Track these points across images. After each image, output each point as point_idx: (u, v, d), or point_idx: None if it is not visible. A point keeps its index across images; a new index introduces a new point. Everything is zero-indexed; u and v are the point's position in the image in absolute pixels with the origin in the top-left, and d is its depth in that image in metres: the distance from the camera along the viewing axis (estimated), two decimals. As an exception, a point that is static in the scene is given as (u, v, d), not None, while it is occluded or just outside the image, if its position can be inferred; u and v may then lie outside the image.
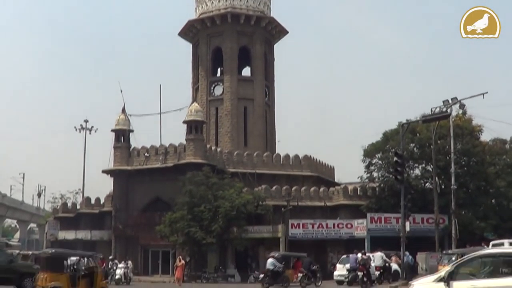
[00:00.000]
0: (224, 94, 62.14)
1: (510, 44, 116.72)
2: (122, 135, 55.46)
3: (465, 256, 14.78)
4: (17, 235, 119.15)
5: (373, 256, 36.46)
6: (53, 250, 28.06)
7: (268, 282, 35.64)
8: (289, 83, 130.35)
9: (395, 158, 35.98)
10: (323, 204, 53.04)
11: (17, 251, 41.31)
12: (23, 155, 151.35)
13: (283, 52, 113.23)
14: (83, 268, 26.48)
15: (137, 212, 53.98)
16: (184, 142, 52.96)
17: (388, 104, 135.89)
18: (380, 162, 52.06)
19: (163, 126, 74.34)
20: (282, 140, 70.54)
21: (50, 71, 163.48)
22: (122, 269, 42.07)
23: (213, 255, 49.97)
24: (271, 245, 48.74)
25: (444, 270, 13.94)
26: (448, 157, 45.91)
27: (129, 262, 45.07)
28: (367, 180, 53.18)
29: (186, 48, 68.26)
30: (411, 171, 51.32)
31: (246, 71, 65.98)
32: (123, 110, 56.49)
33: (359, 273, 34.42)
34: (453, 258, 27.77)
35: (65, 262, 26.20)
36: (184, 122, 53.23)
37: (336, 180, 64.07)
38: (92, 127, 74.11)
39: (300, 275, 36.63)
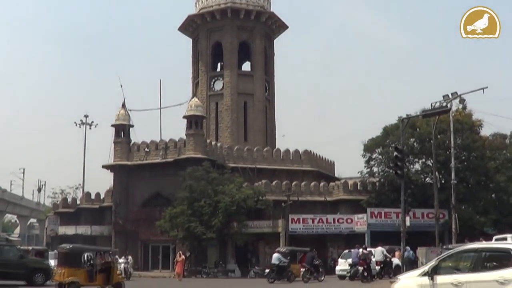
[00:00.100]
0: (224, 89, 62.13)
1: (510, 41, 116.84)
2: (122, 130, 55.46)
3: (448, 251, 15.09)
4: (17, 230, 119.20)
5: (374, 251, 36.46)
6: (70, 246, 28.33)
7: (274, 277, 35.84)
8: (289, 78, 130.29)
9: (395, 153, 35.88)
10: (323, 199, 53.05)
11: (18, 246, 41.34)
12: (23, 150, 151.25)
13: (283, 47, 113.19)
14: (100, 263, 26.96)
15: (137, 207, 54.01)
16: (184, 137, 52.98)
17: (388, 99, 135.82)
18: (380, 157, 52.07)
19: (163, 121, 74.47)
20: (282, 134, 70.47)
21: (50, 66, 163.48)
22: (122, 264, 42.05)
23: (213, 250, 50.00)
24: (271, 240, 48.81)
25: (428, 265, 14.14)
26: (448, 152, 45.90)
27: (129, 257, 45.10)
28: (367, 175, 53.17)
29: (186, 43, 68.42)
30: (411, 166, 51.30)
31: (246, 66, 66.01)
32: (123, 105, 56.51)
33: (359, 267, 34.45)
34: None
35: (82, 257, 26.81)
36: (184, 117, 53.23)
37: (336, 175, 64.09)
38: (92, 122, 74.19)
39: (302, 270, 36.68)
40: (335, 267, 41.70)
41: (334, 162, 66.07)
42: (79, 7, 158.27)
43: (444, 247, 37.52)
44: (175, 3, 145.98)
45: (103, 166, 56.54)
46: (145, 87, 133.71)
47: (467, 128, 49.63)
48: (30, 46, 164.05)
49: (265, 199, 49.07)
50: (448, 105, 41.07)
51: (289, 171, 56.67)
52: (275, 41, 67.52)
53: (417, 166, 52.11)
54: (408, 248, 37.13)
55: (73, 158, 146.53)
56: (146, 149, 54.25)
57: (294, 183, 52.71)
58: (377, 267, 35.65)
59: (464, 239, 38.89)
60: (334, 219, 49.24)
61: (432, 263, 14.13)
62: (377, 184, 52.41)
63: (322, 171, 60.28)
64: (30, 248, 40.58)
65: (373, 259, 35.64)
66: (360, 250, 35.51)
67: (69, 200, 66.43)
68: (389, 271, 35.81)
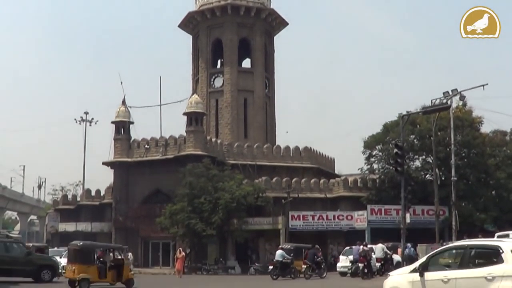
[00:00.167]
0: (224, 85, 62.08)
1: (510, 39, 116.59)
2: (122, 127, 55.45)
3: (439, 249, 15.30)
4: (18, 227, 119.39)
5: (374, 248, 36.50)
6: (81, 243, 28.61)
7: (277, 274, 36.08)
8: (289, 74, 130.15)
9: (395, 150, 35.95)
10: (323, 196, 53.06)
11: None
12: (23, 147, 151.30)
13: (283, 43, 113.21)
14: (111, 260, 27.42)
15: (137, 204, 54.02)
16: (184, 134, 52.98)
17: (388, 95, 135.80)
18: (380, 153, 52.11)
19: (163, 118, 74.41)
20: (283, 131, 70.58)
21: (50, 63, 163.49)
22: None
23: (213, 247, 50.01)
24: (271, 237, 48.86)
25: (419, 262, 14.39)
26: (448, 149, 45.92)
27: (130, 254, 45.07)
28: (367, 172, 53.20)
29: (186, 40, 68.33)
30: (411, 163, 51.35)
31: (246, 63, 65.95)
32: (123, 102, 56.50)
33: (359, 264, 34.50)
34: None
35: (93, 254, 27.24)
36: (184, 114, 53.22)
37: (336, 172, 64.13)
38: (92, 119, 74.13)
39: (304, 266, 36.74)
40: (335, 263, 41.78)
41: (334, 159, 66.18)
42: (79, 3, 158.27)
43: (444, 244, 37.55)
44: (175, 0, 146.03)
45: (103, 163, 56.55)
46: (145, 84, 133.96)
47: (467, 125, 49.64)
48: (30, 43, 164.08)
49: (265, 196, 49.07)
50: (448, 102, 41.09)
51: (289, 168, 56.66)
52: (275, 37, 67.50)
53: (417, 163, 52.22)
54: (409, 245, 37.15)
55: (73, 155, 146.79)
56: (146, 146, 54.24)
57: (294, 179, 52.72)
58: (378, 264, 35.69)
59: (463, 236, 38.94)
60: (334, 216, 49.25)
61: (423, 260, 14.38)
62: (377, 181, 52.45)
63: (322, 168, 60.29)
64: (31, 245, 40.58)
65: (374, 256, 35.68)
66: (361, 247, 35.57)
67: (69, 197, 66.48)
68: (390, 267, 35.83)
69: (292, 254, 37.45)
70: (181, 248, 44.91)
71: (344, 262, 38.85)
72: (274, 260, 37.24)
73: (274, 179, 52.49)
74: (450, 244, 15.15)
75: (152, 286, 28.71)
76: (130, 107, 56.89)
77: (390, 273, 16.24)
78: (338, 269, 39.56)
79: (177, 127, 70.82)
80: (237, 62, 63.64)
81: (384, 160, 51.40)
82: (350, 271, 36.09)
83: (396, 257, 37.54)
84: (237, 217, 47.44)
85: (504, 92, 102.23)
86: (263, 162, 55.46)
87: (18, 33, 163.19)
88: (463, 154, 49.75)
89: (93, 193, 60.70)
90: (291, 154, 58.25)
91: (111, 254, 28.35)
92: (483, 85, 40.02)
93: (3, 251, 30.13)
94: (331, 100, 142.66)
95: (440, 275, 13.46)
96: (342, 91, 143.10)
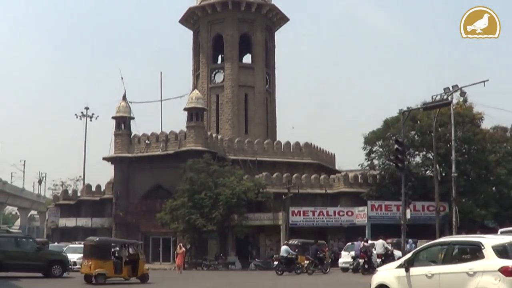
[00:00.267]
0: (225, 81, 62.05)
1: (510, 36, 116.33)
2: (122, 122, 55.42)
3: (423, 245, 15.89)
4: (18, 222, 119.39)
5: (375, 243, 36.56)
6: (97, 238, 29.41)
7: (282, 269, 36.26)
8: (290, 70, 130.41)
9: (395, 146, 35.91)
10: (323, 192, 53.09)
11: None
12: (23, 142, 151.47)
13: (283, 39, 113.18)
14: (126, 255, 27.98)
15: (138, 199, 54.04)
16: (185, 130, 52.97)
17: (388, 91, 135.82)
18: (380, 149, 52.11)
19: (164, 113, 74.47)
20: (283, 127, 70.63)
21: (50, 58, 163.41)
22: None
23: (214, 242, 50.09)
24: (272, 233, 48.93)
25: (404, 257, 15.01)
26: (448, 145, 45.90)
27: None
28: (367, 168, 53.24)
29: (187, 35, 68.33)
30: (412, 159, 51.36)
31: (247, 59, 65.90)
32: (124, 97, 56.49)
33: (360, 260, 34.55)
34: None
35: (109, 249, 27.82)
36: (185, 109, 53.21)
37: (336, 168, 64.12)
38: (93, 114, 74.19)
39: (306, 262, 36.81)
40: (336, 259, 41.84)
41: (334, 155, 66.20)
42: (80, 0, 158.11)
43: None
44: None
45: (104, 158, 56.58)
46: (146, 79, 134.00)
47: (467, 121, 49.61)
48: (30, 39, 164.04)
49: (266, 191, 49.08)
50: (449, 98, 41.03)
51: (289, 163, 56.67)
52: (275, 33, 67.47)
53: (418, 159, 52.22)
54: (410, 240, 37.23)
55: (73, 150, 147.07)
56: (146, 141, 54.22)
57: (294, 175, 52.74)
58: (378, 260, 35.72)
59: (461, 233, 38.96)
60: (334, 212, 49.31)
61: (408, 255, 14.94)
62: (377, 176, 52.46)
63: (323, 164, 60.29)
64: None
65: (374, 252, 35.73)
66: (361, 243, 35.63)
67: (70, 192, 66.52)
68: (391, 264, 35.82)
69: (297, 250, 37.65)
70: (181, 244, 44.90)
71: (345, 257, 38.95)
72: (279, 256, 37.48)
73: (274, 175, 52.52)
74: (434, 241, 15.68)
75: (154, 282, 28.86)
76: (131, 102, 56.96)
77: (378, 269, 17.03)
78: (340, 265, 39.67)
79: (177, 122, 70.88)
80: (238, 58, 63.56)
81: (385, 156, 51.42)
82: (351, 266, 36.15)
83: (398, 253, 37.56)
84: (238, 212, 47.43)
85: (505, 88, 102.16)
86: (263, 158, 55.47)
87: (19, 28, 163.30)
88: (464, 150, 49.73)
89: (93, 188, 60.68)
90: (291, 150, 58.26)
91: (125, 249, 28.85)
92: (483, 81, 40.01)
93: (13, 247, 30.44)
94: (332, 96, 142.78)
95: (424, 270, 13.94)
96: (343, 86, 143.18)
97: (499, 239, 13.65)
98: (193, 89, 56.50)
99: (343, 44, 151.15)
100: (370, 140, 52.11)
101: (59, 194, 67.99)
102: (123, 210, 53.99)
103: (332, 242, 49.42)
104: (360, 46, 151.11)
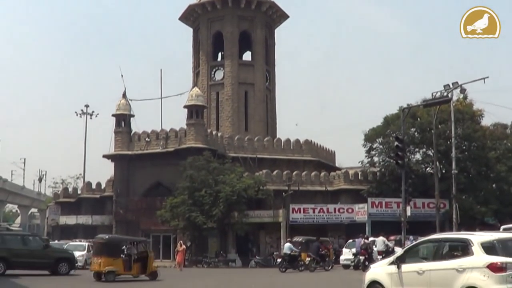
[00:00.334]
0: (225, 78, 62.06)
1: (511, 33, 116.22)
2: (123, 120, 55.40)
3: (415, 242, 16.50)
4: (18, 220, 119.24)
5: (376, 240, 36.58)
6: (107, 236, 29.96)
7: (286, 266, 36.41)
8: (290, 67, 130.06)
9: (395, 143, 35.95)
10: (324, 189, 53.12)
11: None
12: (24, 140, 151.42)
13: (283, 36, 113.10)
14: (135, 252, 28.31)
15: (138, 197, 54.05)
16: (185, 127, 52.98)
17: (389, 88, 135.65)
18: (381, 146, 52.12)
19: (164, 111, 74.49)
20: (283, 125, 70.47)
21: (50, 55, 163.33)
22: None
23: (214, 239, 50.09)
24: (272, 230, 48.98)
25: (396, 254, 15.47)
26: (449, 142, 45.95)
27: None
28: (368, 165, 53.24)
29: (186, 32, 68.36)
30: (412, 156, 51.37)
31: (247, 56, 65.91)
32: (124, 95, 56.47)
33: (360, 257, 34.57)
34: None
35: (119, 247, 28.23)
36: (185, 106, 53.21)
37: (337, 165, 64.13)
38: (93, 112, 73.92)
39: (308, 259, 36.85)
40: (336, 256, 41.83)
41: (334, 152, 66.19)
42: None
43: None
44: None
45: (104, 156, 56.58)
46: (146, 77, 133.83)
47: (467, 118, 49.61)
48: (30, 37, 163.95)
49: (266, 188, 49.12)
50: (449, 95, 41.03)
51: (289, 160, 56.70)
52: (275, 30, 67.46)
53: (418, 156, 52.29)
54: (411, 237, 37.24)
55: (73, 148, 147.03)
56: (146, 139, 54.23)
57: (294, 172, 52.76)
58: (379, 257, 35.71)
59: (461, 230, 38.97)
60: (334, 209, 49.36)
61: (400, 253, 15.35)
62: (377, 173, 52.47)
63: (323, 161, 60.31)
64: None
65: (375, 249, 35.74)
66: (362, 240, 35.67)
67: (70, 190, 66.42)
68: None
69: (300, 247, 37.76)
70: (181, 241, 44.95)
71: (347, 255, 38.99)
72: (283, 253, 37.72)
73: (274, 172, 52.54)
74: (425, 238, 15.80)
75: (163, 279, 29.08)
76: (131, 100, 56.94)
77: (371, 265, 17.39)
78: (341, 262, 39.73)
79: (177, 120, 70.83)
80: (238, 55, 63.59)
81: (385, 153, 51.41)
82: (353, 263, 36.19)
83: (399, 250, 37.55)
84: (238, 210, 47.45)
85: (505, 85, 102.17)
86: (263, 155, 55.49)
87: (19, 27, 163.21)
88: (464, 147, 49.73)
89: (93, 186, 60.63)
90: (291, 147, 58.29)
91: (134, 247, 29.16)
92: (483, 78, 40.02)
93: (20, 244, 30.66)
94: (332, 93, 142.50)
95: (415, 267, 14.21)
96: (343, 84, 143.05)
97: (487, 236, 13.87)
98: (193, 87, 56.47)
99: (343, 41, 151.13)
100: (370, 137, 52.12)
101: (59, 192, 67.98)
102: (123, 207, 53.98)
103: (332, 239, 49.30)
104: (360, 44, 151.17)
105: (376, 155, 52.54)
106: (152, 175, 53.78)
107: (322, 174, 54.21)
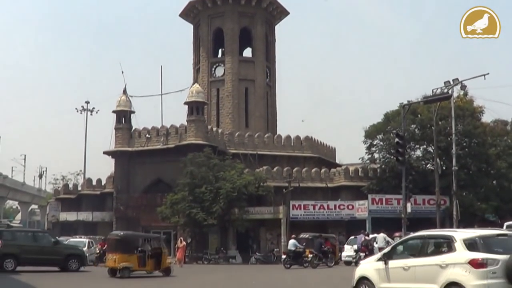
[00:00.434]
0: (225, 75, 62.05)
1: (511, 30, 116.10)
2: (123, 116, 55.40)
3: (401, 239, 17.26)
4: (19, 216, 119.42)
5: (377, 237, 36.62)
6: (122, 233, 30.72)
7: (290, 263, 36.58)
8: (290, 64, 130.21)
9: (396, 139, 35.89)
10: (324, 185, 53.11)
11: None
12: (24, 136, 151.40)
13: (284, 33, 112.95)
14: (150, 249, 28.74)
15: (138, 193, 54.05)
16: (185, 123, 52.97)
17: (389, 85, 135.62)
18: (381, 143, 52.08)
19: (165, 107, 74.39)
20: (283, 121, 70.53)
21: (50, 52, 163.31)
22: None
23: (214, 236, 50.13)
24: (272, 227, 48.98)
25: (384, 251, 15.95)
26: (449, 138, 45.94)
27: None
28: (368, 161, 53.23)
29: (187, 29, 68.32)
30: (412, 152, 51.34)
31: (247, 52, 65.89)
32: (124, 91, 56.48)
33: (361, 254, 34.61)
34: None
35: (134, 243, 28.86)
36: (185, 103, 53.20)
37: (337, 161, 64.10)
38: (94, 108, 74.00)
39: (310, 256, 36.92)
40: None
41: (335, 148, 66.17)
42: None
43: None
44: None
45: (104, 152, 56.59)
46: (146, 73, 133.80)
47: (468, 114, 49.57)
48: (30, 32, 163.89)
49: (266, 185, 49.12)
50: (450, 91, 41.05)
51: (290, 157, 56.70)
52: (276, 27, 67.45)
53: (418, 153, 52.22)
54: (412, 234, 37.22)
55: (74, 144, 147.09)
56: (147, 135, 54.23)
57: (295, 169, 52.77)
58: (380, 254, 35.73)
59: (459, 227, 38.99)
60: (335, 205, 49.34)
61: (387, 249, 15.94)
62: (378, 170, 52.43)
63: (323, 157, 60.27)
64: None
65: (376, 246, 35.77)
66: (363, 236, 35.73)
67: (70, 186, 66.51)
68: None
69: (304, 244, 37.90)
70: (182, 238, 44.97)
71: (349, 251, 39.04)
72: (287, 250, 37.95)
73: (275, 169, 52.53)
74: (411, 235, 16.54)
75: (177, 275, 29.38)
76: (131, 96, 56.98)
77: (361, 262, 18.16)
78: (343, 258, 39.78)
79: (178, 116, 70.96)
80: (238, 52, 63.56)
81: (385, 150, 51.39)
82: (354, 260, 36.27)
83: None
84: (238, 206, 47.46)
85: (505, 81, 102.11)
86: (264, 152, 55.47)
87: (18, 22, 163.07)
88: (464, 144, 49.68)
89: (94, 183, 60.69)
90: (292, 144, 58.26)
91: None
92: (484, 75, 40.05)
93: (30, 241, 30.84)
94: (332, 90, 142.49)
95: (401, 263, 14.72)
96: (343, 80, 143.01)
97: (470, 233, 14.27)
98: (194, 83, 56.49)
99: (343, 38, 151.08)
100: (370, 133, 52.10)
101: (59, 188, 68.07)
102: (123, 204, 53.98)
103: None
104: (360, 40, 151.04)
105: (377, 151, 52.55)
106: (152, 172, 53.79)
107: (323, 170, 54.21)
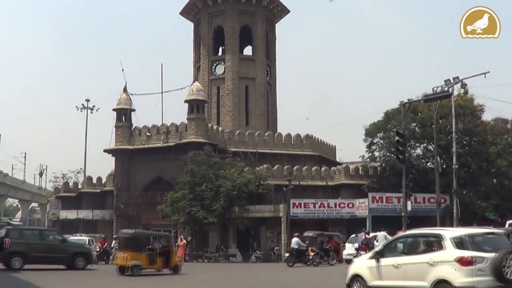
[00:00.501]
0: (226, 73, 62.05)
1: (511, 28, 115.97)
2: (123, 114, 55.37)
3: (393, 237, 17.46)
4: (19, 214, 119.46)
5: (377, 235, 36.65)
6: (132, 231, 31.19)
7: (293, 261, 36.80)
8: (291, 62, 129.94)
9: (396, 138, 35.91)
10: (324, 184, 53.09)
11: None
12: (24, 134, 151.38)
13: (284, 31, 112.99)
14: (159, 247, 29.18)
15: (139, 192, 54.05)
16: (186, 122, 52.95)
17: (389, 83, 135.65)
18: (381, 141, 52.03)
19: (165, 105, 74.33)
20: (283, 119, 70.45)
21: (51, 50, 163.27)
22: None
23: (215, 234, 50.12)
24: (273, 225, 48.96)
25: (376, 249, 16.55)
26: (449, 137, 45.95)
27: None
28: (368, 160, 53.17)
29: (187, 27, 68.29)
30: (413, 151, 51.31)
31: (248, 50, 65.86)
32: (125, 89, 56.45)
33: (361, 252, 34.61)
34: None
35: (144, 242, 29.19)
36: (186, 101, 53.19)
37: (337, 160, 64.11)
38: (94, 106, 74.03)
39: (312, 254, 37.00)
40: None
41: (335, 147, 66.17)
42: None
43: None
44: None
45: (105, 150, 56.55)
46: (146, 71, 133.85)
47: (468, 112, 49.55)
48: (31, 30, 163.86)
49: (267, 183, 49.12)
50: (450, 90, 41.08)
51: (290, 155, 56.68)
52: (276, 25, 67.44)
53: (419, 151, 52.18)
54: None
55: (74, 142, 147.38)
56: (147, 134, 54.21)
57: (295, 167, 52.76)
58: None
59: (459, 225, 39.01)
60: (335, 204, 49.31)
61: (379, 247, 16.42)
62: (378, 168, 52.42)
63: (324, 156, 60.27)
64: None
65: (376, 244, 35.75)
66: (364, 234, 35.77)
67: (71, 184, 66.52)
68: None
69: (307, 242, 38.05)
70: (182, 236, 45.03)
71: (350, 249, 39.08)
72: (290, 248, 38.08)
73: (275, 167, 52.51)
74: (402, 233, 17.34)
75: (186, 273, 29.66)
76: (132, 94, 56.92)
77: (354, 260, 18.97)
78: (344, 257, 39.80)
79: (178, 114, 70.96)
80: (239, 50, 63.56)
81: (386, 148, 51.35)
82: (355, 258, 36.31)
83: None
84: (238, 204, 47.45)
85: (506, 80, 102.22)
86: (264, 150, 55.45)
87: (19, 21, 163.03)
88: (465, 142, 49.68)
89: (94, 181, 60.68)
90: (292, 142, 58.24)
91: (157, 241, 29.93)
92: (484, 73, 40.06)
93: (38, 239, 31.07)
94: (333, 88, 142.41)
95: (392, 261, 15.18)
96: (344, 78, 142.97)
97: (459, 231, 14.76)
98: (194, 81, 56.52)
99: (344, 36, 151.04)
100: (371, 132, 52.07)
101: (60, 186, 68.04)
102: (124, 202, 53.99)
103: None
104: (361, 38, 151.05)
105: (377, 150, 52.49)
106: (152, 170, 53.80)
107: (323, 169, 54.19)
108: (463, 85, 44.10)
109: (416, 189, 45.01)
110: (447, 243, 14.08)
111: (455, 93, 44.85)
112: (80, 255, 31.60)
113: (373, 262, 15.66)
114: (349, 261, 37.62)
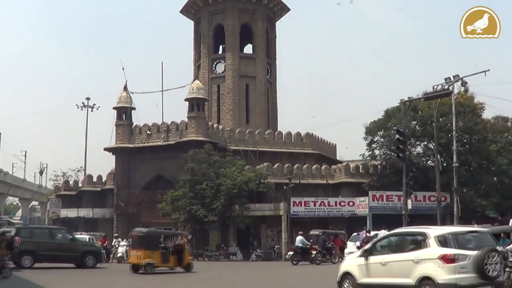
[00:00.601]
0: (226, 71, 62.02)
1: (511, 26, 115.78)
2: (124, 113, 55.37)
3: (381, 236, 18.50)
4: (19, 213, 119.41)
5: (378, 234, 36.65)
6: (146, 230, 31.63)
7: (298, 259, 37.25)
8: (291, 60, 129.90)
9: (397, 136, 35.87)
10: (325, 182, 53.06)
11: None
12: (25, 133, 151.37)
13: (285, 29, 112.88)
14: (172, 245, 29.74)
15: (139, 190, 54.07)
16: (186, 120, 52.97)
17: (390, 81, 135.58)
18: (382, 139, 52.04)
19: (165, 104, 74.30)
20: (284, 117, 70.61)
21: (51, 48, 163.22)
22: (124, 247, 42.14)
23: (215, 233, 50.10)
24: (273, 223, 48.95)
25: (365, 247, 16.90)
26: (450, 135, 45.93)
27: (119, 240, 45.32)
28: (369, 158, 53.17)
29: (187, 25, 68.28)
30: (413, 149, 51.29)
31: (248, 49, 65.84)
32: (125, 88, 56.42)
33: (362, 250, 34.67)
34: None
35: (157, 240, 29.75)
36: (186, 99, 53.19)
37: (338, 158, 64.12)
38: (94, 104, 73.93)
39: (314, 252, 37.07)
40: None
41: (336, 145, 66.12)
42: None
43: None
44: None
45: (105, 149, 56.57)
46: (147, 69, 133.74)
47: (469, 111, 49.51)
48: (31, 29, 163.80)
49: (267, 182, 49.10)
50: (450, 88, 41.04)
51: (291, 153, 56.66)
52: (276, 23, 67.39)
53: (419, 149, 52.19)
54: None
55: (74, 141, 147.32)
56: (148, 132, 54.22)
57: (296, 165, 52.72)
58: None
59: (459, 223, 39.00)
60: (335, 202, 49.31)
61: (368, 246, 16.75)
62: (378, 167, 52.44)
63: (324, 154, 60.27)
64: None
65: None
66: (365, 233, 35.86)
67: (71, 182, 66.44)
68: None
69: (311, 240, 38.36)
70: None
71: (351, 248, 39.05)
72: (294, 246, 38.54)
73: (275, 165, 52.49)
74: (390, 232, 17.48)
75: (198, 271, 29.87)
76: (132, 92, 56.90)
77: (345, 258, 19.90)
78: (345, 255, 39.80)
79: (179, 113, 70.89)
80: (239, 48, 63.51)
81: (386, 146, 51.34)
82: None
83: None
84: (239, 203, 47.45)
85: (506, 78, 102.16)
86: (264, 148, 55.46)
87: (19, 20, 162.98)
88: (465, 140, 49.64)
89: (94, 179, 60.61)
90: (292, 140, 58.22)
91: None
92: (484, 71, 39.96)
93: (48, 238, 31.32)
94: (333, 86, 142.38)
95: (380, 259, 15.63)
96: (344, 77, 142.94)
97: (442, 230, 15.26)
98: (194, 80, 56.53)
99: (344, 34, 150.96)
100: (371, 130, 52.05)
101: (60, 185, 68.01)
102: (124, 200, 53.99)
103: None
104: (361, 36, 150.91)
105: (377, 148, 52.48)
106: (153, 168, 53.80)
107: (323, 167, 54.17)
108: (464, 83, 44.10)
109: (416, 187, 44.95)
110: (431, 241, 14.44)
111: (456, 91, 44.82)
112: (90, 254, 31.91)
113: (362, 260, 16.05)
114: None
